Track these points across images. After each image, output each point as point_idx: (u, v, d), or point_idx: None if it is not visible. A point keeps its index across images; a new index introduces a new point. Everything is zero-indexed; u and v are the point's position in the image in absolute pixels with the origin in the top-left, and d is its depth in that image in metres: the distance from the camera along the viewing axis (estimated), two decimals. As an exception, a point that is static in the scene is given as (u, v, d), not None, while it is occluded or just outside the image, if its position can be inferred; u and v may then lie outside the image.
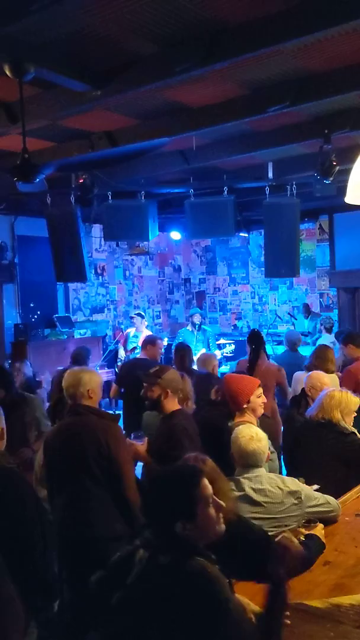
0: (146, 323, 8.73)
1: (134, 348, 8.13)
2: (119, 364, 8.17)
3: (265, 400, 3.63)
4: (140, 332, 8.36)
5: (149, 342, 6.07)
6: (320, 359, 5.07)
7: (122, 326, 10.04)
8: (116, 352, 8.48)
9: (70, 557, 3.07)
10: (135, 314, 8.75)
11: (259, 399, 3.52)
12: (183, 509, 1.87)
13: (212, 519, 1.91)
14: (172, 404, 3.50)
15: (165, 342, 9.03)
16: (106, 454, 3.08)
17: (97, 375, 3.43)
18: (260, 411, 3.56)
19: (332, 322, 8.86)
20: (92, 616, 2.00)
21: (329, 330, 8.44)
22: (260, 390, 3.56)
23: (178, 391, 3.53)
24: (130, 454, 3.29)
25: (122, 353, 8.25)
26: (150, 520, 1.96)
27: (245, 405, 3.46)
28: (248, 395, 3.48)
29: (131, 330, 8.50)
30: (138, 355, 6.64)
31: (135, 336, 8.32)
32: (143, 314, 8.92)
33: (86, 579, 2.97)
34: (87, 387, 3.23)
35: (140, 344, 8.17)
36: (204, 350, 8.40)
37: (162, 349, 6.09)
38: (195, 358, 8.13)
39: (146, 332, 8.43)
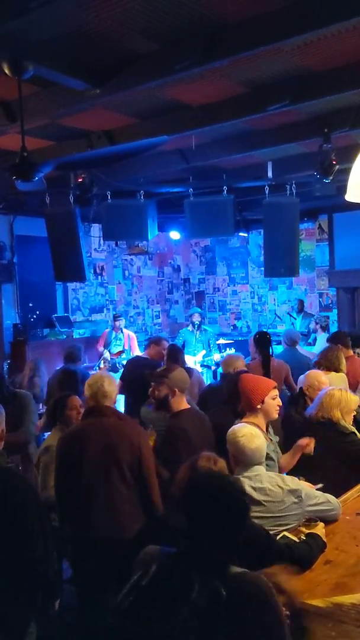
0: (124, 322, 8.67)
1: (120, 352, 8.07)
2: (101, 366, 8.08)
3: (281, 404, 3.56)
4: (123, 333, 8.31)
5: (154, 341, 6.07)
6: (334, 357, 5.04)
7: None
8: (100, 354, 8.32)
9: (86, 556, 3.05)
10: (118, 315, 8.70)
11: (273, 401, 3.43)
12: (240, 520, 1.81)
13: None
14: (179, 404, 3.51)
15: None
16: (138, 457, 3.11)
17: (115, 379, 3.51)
18: (275, 415, 3.48)
19: (327, 321, 8.81)
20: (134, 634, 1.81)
21: (324, 329, 8.39)
22: (276, 392, 3.49)
23: (185, 390, 3.52)
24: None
25: (107, 355, 8.15)
26: (208, 536, 1.78)
27: (258, 406, 3.41)
28: (262, 396, 3.41)
29: (109, 330, 8.44)
30: (142, 354, 6.61)
31: (120, 338, 8.25)
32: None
33: (98, 579, 2.92)
34: (113, 391, 3.29)
35: (125, 346, 8.15)
36: (204, 352, 8.36)
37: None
38: (194, 358, 8.15)
39: (126, 332, 8.38)
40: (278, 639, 1.72)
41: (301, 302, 9.86)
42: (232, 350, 8.86)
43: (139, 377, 5.01)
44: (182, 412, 3.50)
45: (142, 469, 3.10)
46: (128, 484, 3.10)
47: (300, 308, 9.75)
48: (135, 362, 6.10)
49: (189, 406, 3.61)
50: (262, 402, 3.41)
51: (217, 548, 1.74)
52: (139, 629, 1.74)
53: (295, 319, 9.89)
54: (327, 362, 5.00)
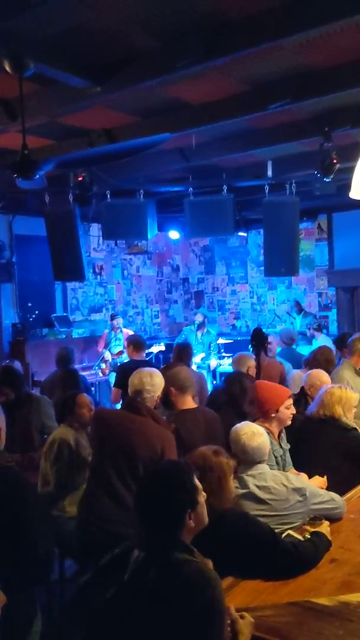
0: (121, 320, 8.68)
1: (121, 352, 8.04)
2: (103, 367, 8.04)
3: (295, 412, 3.58)
4: (122, 333, 8.29)
5: (134, 342, 5.94)
6: (322, 358, 5.04)
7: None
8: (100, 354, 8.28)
9: (91, 552, 3.00)
10: (114, 314, 8.68)
11: (288, 410, 3.47)
12: (188, 498, 1.93)
13: (204, 507, 1.99)
14: (182, 402, 3.45)
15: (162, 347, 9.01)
16: (157, 461, 3.00)
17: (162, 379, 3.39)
18: (289, 422, 3.51)
19: (319, 322, 8.75)
20: (83, 615, 1.96)
21: (318, 330, 8.34)
22: (291, 401, 3.52)
23: (185, 388, 3.47)
24: None
25: (108, 355, 8.13)
26: (146, 519, 1.93)
27: (273, 415, 3.43)
28: (277, 406, 3.43)
29: (108, 331, 8.43)
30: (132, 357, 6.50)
31: (119, 338, 8.23)
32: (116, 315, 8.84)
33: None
34: (159, 393, 3.24)
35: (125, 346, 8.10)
36: (203, 355, 8.31)
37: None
38: (193, 359, 8.09)
39: (125, 331, 8.36)
40: (208, 632, 1.73)
41: (298, 303, 9.86)
42: (230, 361, 8.72)
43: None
44: (181, 412, 3.45)
45: None
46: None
47: (299, 309, 9.75)
48: (127, 367, 5.91)
49: (194, 406, 3.55)
50: (277, 411, 3.43)
51: (157, 533, 1.88)
52: (81, 604, 1.94)
53: (294, 318, 9.89)
54: (315, 362, 5.01)
